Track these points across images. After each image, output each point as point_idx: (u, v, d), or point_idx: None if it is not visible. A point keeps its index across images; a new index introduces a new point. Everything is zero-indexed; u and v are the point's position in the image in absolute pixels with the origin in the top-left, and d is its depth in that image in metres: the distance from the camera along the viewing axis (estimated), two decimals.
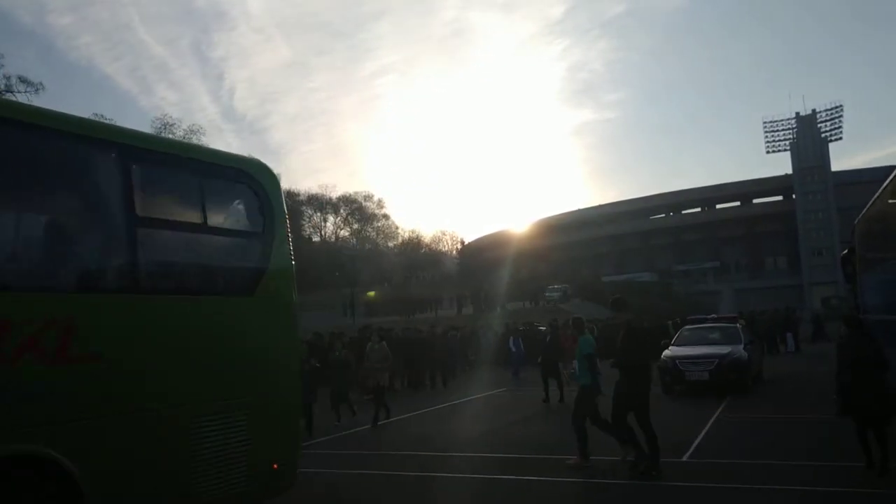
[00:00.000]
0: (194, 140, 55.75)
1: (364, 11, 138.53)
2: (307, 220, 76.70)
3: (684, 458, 8.95)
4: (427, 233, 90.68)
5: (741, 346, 16.17)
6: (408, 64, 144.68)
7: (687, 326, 19.13)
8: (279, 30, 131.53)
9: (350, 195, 79.21)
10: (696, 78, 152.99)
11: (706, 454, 9.19)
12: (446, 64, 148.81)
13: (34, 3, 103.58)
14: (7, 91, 42.96)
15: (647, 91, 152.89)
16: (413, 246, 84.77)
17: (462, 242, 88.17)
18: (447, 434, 11.99)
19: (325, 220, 79.66)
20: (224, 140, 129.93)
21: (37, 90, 43.73)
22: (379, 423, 13.10)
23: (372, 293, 55.71)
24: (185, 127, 55.90)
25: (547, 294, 52.68)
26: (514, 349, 22.90)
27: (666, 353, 16.34)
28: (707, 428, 11.12)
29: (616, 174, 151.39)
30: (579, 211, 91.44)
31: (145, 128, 76.40)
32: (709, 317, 20.44)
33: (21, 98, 43.40)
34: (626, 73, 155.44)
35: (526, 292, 52.05)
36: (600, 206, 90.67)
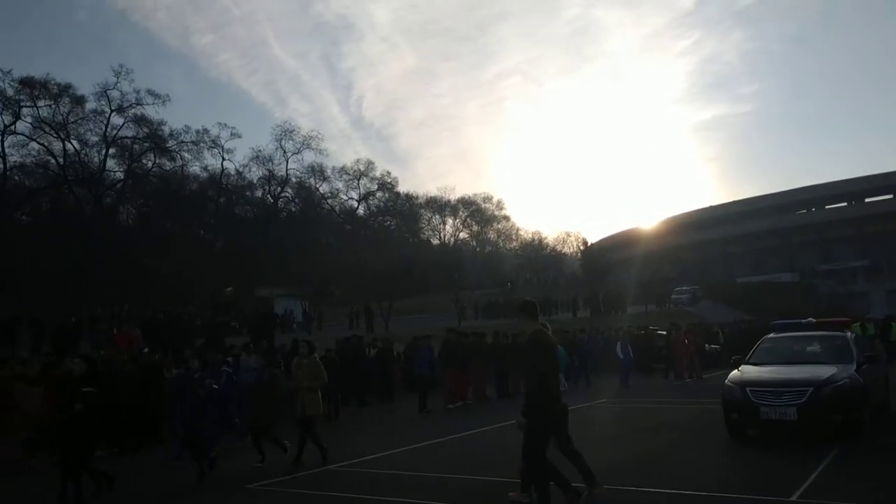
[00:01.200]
0: (313, 146, 56.61)
1: (487, 14, 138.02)
2: (426, 222, 76.53)
3: None
4: (550, 234, 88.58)
5: (852, 367, 10.78)
6: (531, 65, 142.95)
7: (769, 335, 13.07)
8: (404, 38, 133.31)
9: (469, 197, 78.47)
10: (838, 66, 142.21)
11: None
12: (570, 62, 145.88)
13: (179, 25, 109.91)
14: (137, 103, 45.06)
15: (785, 82, 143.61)
16: (535, 247, 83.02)
17: (585, 243, 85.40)
18: (488, 457, 10.48)
19: (444, 223, 79.25)
20: (353, 148, 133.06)
21: (164, 102, 45.65)
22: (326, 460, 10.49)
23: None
24: (304, 133, 56.73)
25: (674, 296, 49.89)
26: (621, 355, 20.99)
27: (733, 375, 11.36)
28: None
29: (751, 169, 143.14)
30: (711, 208, 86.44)
31: (268, 137, 79.01)
32: (803, 321, 13.78)
33: (149, 109, 45.53)
34: (761, 65, 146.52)
35: (652, 294, 49.55)
36: (734, 203, 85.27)
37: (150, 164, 48.29)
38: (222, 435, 11.67)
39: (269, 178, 57.01)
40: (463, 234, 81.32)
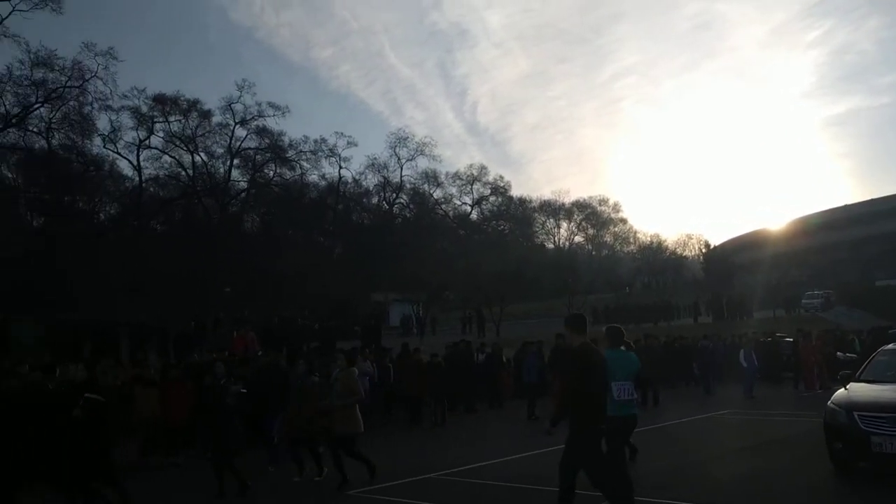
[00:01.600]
0: (426, 153, 57.16)
1: (602, 15, 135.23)
2: (540, 226, 75.76)
3: None
4: (669, 236, 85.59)
5: None
6: (648, 64, 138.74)
7: (888, 346, 10.82)
8: (518, 42, 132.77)
9: (584, 200, 77.04)
10: None
11: None
12: (689, 60, 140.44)
13: (301, 40, 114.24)
14: (259, 115, 47.02)
15: None
16: (653, 250, 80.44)
17: (707, 245, 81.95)
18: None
19: (559, 226, 78.16)
20: (468, 153, 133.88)
21: (283, 114, 47.41)
22: (318, 478, 10.11)
23: None
24: (417, 140, 57.42)
25: (804, 301, 47.04)
26: (745, 364, 19.77)
27: (839, 395, 9.40)
28: None
29: (888, 165, 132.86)
30: (844, 207, 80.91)
31: (383, 145, 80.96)
32: None
33: (270, 121, 47.42)
34: None
35: (780, 299, 46.97)
36: (870, 202, 79.50)
37: (271, 173, 50.24)
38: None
39: (385, 184, 58.14)
40: (578, 238, 79.98)
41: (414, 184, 59.19)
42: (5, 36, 34.64)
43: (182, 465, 12.31)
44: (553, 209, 75.70)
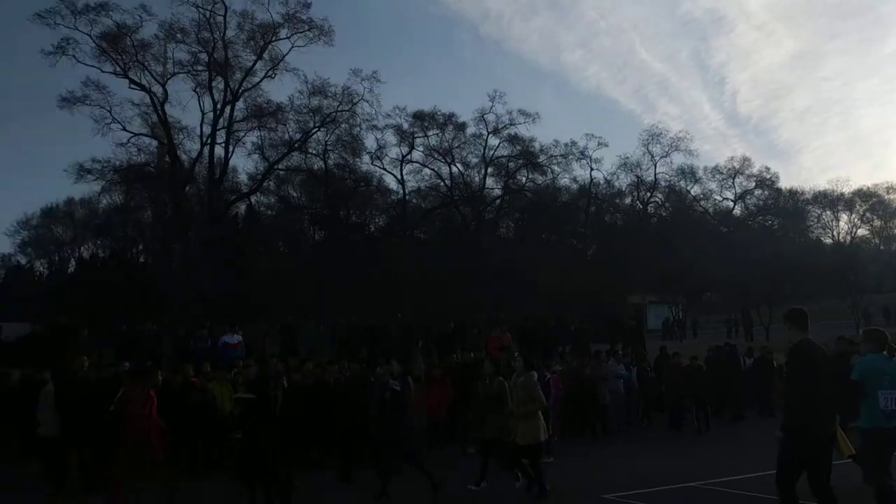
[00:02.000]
0: (681, 148, 54.68)
1: None
2: (815, 220, 68.81)
3: None
4: None
5: None
6: None
7: None
8: (781, 23, 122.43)
9: (868, 188, 68.54)
10: None
11: None
12: None
13: (550, 46, 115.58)
14: (510, 124, 48.23)
15: None
16: None
17: None
18: None
19: (837, 219, 70.39)
20: (728, 146, 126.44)
21: (533, 120, 48.19)
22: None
23: None
24: (671, 136, 55.07)
25: None
26: None
27: None
28: None
29: None
30: None
31: (635, 143, 79.21)
32: None
33: (520, 128, 48.44)
34: None
35: None
36: None
37: (524, 179, 51.16)
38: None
39: (638, 184, 56.47)
40: (861, 231, 71.39)
41: (669, 181, 56.87)
42: (286, 70, 39.20)
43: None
44: (830, 200, 68.23)
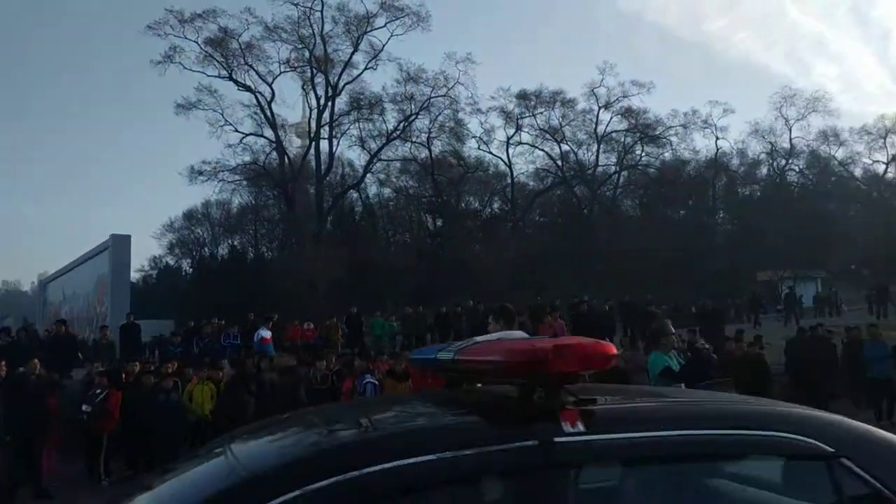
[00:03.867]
0: (820, 109, 49.73)
1: None
2: None
3: None
4: None
5: None
6: None
7: None
8: None
9: None
10: None
11: None
12: None
13: (689, 15, 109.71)
14: (623, 96, 45.93)
15: None
16: None
17: None
18: None
19: None
20: None
21: (648, 90, 45.65)
22: None
23: None
24: (806, 96, 50.14)
25: None
26: None
27: None
28: None
29: None
30: None
31: (765, 111, 72.85)
32: None
33: (634, 101, 45.92)
34: None
35: None
36: None
37: (641, 154, 48.65)
38: None
39: (771, 151, 52.14)
40: None
41: (809, 145, 52.13)
42: (389, 60, 39.20)
43: None
44: None
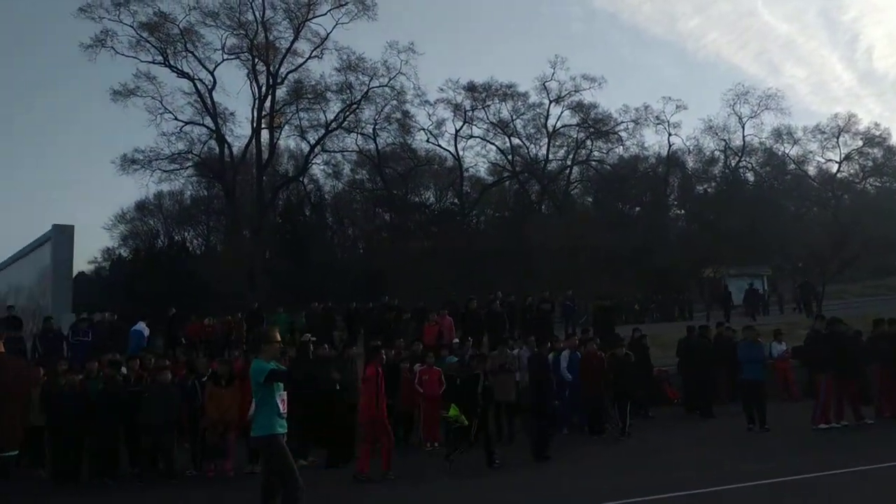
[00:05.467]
0: (773, 107, 49.70)
1: None
2: None
3: None
4: None
5: None
6: None
7: None
8: None
9: None
10: None
11: None
12: None
13: (664, 14, 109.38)
14: (575, 91, 45.54)
15: None
16: None
17: None
18: None
19: None
20: (863, 107, 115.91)
21: (600, 85, 45.31)
22: None
23: None
24: (759, 93, 50.04)
25: None
26: None
27: None
28: None
29: None
30: None
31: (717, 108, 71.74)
32: None
33: (585, 94, 45.50)
34: None
35: None
36: None
37: (592, 150, 48.27)
38: None
39: (725, 148, 52.00)
40: None
41: (762, 143, 52.11)
42: (336, 50, 38.29)
43: None
44: None
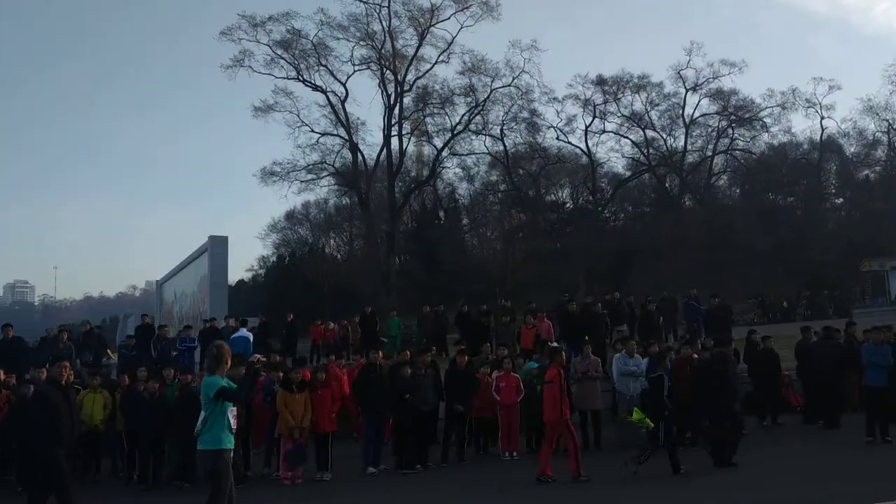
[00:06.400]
0: None
1: None
2: None
3: None
4: None
5: None
6: None
7: None
8: None
9: None
10: None
11: None
12: None
13: None
14: (714, 77, 43.32)
15: None
16: None
17: None
18: None
19: None
20: None
21: (740, 69, 42.94)
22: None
23: None
24: None
25: None
26: None
27: None
28: None
29: None
30: None
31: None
32: None
33: (725, 80, 42.98)
34: None
35: None
36: None
37: (734, 138, 45.52)
38: None
39: (888, 129, 47.18)
40: None
41: None
42: (464, 53, 38.32)
43: None
44: None
